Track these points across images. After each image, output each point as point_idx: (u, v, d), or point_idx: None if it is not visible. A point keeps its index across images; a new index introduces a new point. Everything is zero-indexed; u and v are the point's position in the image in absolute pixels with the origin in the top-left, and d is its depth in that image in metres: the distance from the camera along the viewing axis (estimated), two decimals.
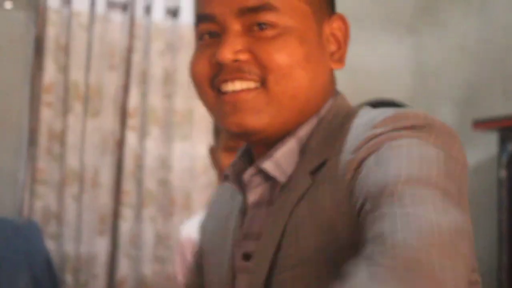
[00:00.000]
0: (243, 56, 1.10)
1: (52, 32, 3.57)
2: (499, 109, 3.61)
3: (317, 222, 1.03)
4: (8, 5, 3.60)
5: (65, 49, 3.62)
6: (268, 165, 1.12)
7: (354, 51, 4.33)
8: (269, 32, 1.10)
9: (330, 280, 1.02)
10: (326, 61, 1.16)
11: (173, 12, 3.81)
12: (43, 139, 3.51)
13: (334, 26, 1.18)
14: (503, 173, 3.28)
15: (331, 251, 1.01)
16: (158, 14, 3.74)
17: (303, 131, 1.14)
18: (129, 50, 3.72)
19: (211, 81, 1.13)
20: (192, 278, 1.39)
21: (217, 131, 2.20)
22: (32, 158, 3.53)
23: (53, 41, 3.57)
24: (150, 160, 3.65)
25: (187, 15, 3.78)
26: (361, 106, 1.16)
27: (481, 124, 3.42)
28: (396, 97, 4.27)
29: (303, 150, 1.13)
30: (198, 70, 1.14)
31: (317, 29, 1.15)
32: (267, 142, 1.15)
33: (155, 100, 3.70)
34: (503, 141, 3.33)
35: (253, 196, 1.16)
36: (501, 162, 3.30)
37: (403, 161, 0.95)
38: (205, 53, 1.13)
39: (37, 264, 3.14)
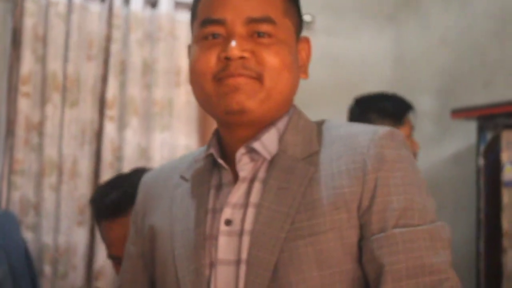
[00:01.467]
0: (247, 54, 1.37)
1: (29, 23, 3.54)
2: (478, 99, 3.62)
3: (334, 203, 1.33)
4: None
5: (43, 40, 3.59)
6: (257, 146, 1.41)
7: (335, 41, 4.35)
8: (266, 40, 1.40)
9: (337, 251, 1.32)
10: (298, 71, 1.46)
11: (152, 3, 3.80)
12: (20, 130, 3.49)
13: (302, 45, 1.50)
14: (482, 162, 3.30)
15: (344, 228, 1.32)
16: (137, 4, 3.72)
17: (281, 124, 1.45)
18: (108, 40, 3.70)
19: (214, 74, 1.39)
20: (132, 263, 1.59)
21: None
22: (9, 148, 3.51)
23: (30, 31, 3.54)
24: (129, 151, 3.64)
25: (166, 5, 3.76)
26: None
27: (460, 113, 3.44)
28: (377, 87, 4.28)
29: (281, 139, 1.43)
30: (205, 63, 1.40)
31: (295, 45, 1.47)
32: (252, 126, 1.42)
33: (134, 90, 3.69)
34: (481, 130, 3.35)
35: (243, 172, 1.42)
36: (480, 151, 3.32)
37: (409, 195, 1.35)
38: (212, 50, 1.40)
39: (15, 256, 3.12)
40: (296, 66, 1.45)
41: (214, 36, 1.41)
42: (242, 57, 1.37)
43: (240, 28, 1.39)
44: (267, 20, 1.40)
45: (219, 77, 1.39)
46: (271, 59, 1.39)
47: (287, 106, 1.47)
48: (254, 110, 1.38)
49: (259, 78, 1.38)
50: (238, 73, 1.37)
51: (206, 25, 1.42)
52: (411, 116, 3.26)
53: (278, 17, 1.42)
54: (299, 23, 1.50)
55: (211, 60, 1.40)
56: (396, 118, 3.13)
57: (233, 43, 1.37)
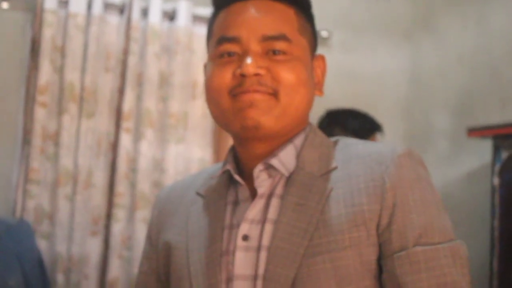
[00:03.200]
0: (262, 71, 1.38)
1: (48, 33, 3.57)
2: (494, 117, 3.61)
3: (353, 221, 1.33)
4: (4, 5, 3.60)
5: (61, 50, 3.62)
6: (275, 162, 1.42)
7: (352, 58, 4.35)
8: (282, 57, 1.40)
9: (356, 268, 1.31)
10: (313, 88, 1.47)
11: (170, 15, 3.82)
12: (37, 139, 3.51)
13: (317, 63, 1.52)
14: (497, 181, 3.29)
15: (363, 246, 1.32)
16: (155, 17, 3.74)
17: (298, 141, 1.46)
18: (125, 52, 3.72)
19: (230, 90, 1.40)
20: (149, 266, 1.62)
21: None
22: (25, 158, 3.53)
23: (49, 42, 3.57)
24: (144, 163, 3.65)
25: (184, 19, 3.78)
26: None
27: (476, 131, 3.43)
28: (392, 104, 4.28)
29: (298, 155, 1.44)
30: (221, 79, 1.41)
31: (310, 62, 1.48)
32: (267, 142, 1.43)
33: (150, 102, 3.70)
34: (497, 149, 3.34)
35: (262, 188, 1.42)
36: (495, 170, 3.31)
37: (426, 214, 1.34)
38: (228, 67, 1.41)
39: (29, 264, 3.13)
40: (312, 83, 1.46)
41: (230, 54, 1.42)
42: (257, 74, 1.38)
43: (255, 46, 1.40)
44: (282, 37, 1.41)
45: (235, 93, 1.40)
46: (287, 75, 1.39)
47: (303, 123, 1.48)
48: (270, 126, 1.39)
49: (274, 94, 1.39)
50: (254, 89, 1.38)
51: (222, 43, 1.43)
52: (378, 136, 3.30)
53: (293, 35, 1.43)
54: (314, 41, 1.51)
55: (227, 76, 1.41)
56: (359, 137, 3.15)
57: (249, 60, 1.38)
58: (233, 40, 1.41)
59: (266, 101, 1.38)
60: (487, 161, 3.55)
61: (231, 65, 1.41)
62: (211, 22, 1.51)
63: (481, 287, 3.35)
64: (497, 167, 3.31)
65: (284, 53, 1.41)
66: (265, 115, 1.38)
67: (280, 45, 1.40)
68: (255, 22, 1.42)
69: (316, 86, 1.50)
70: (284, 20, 1.44)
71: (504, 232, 3.23)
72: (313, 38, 1.51)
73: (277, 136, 1.43)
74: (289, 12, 1.46)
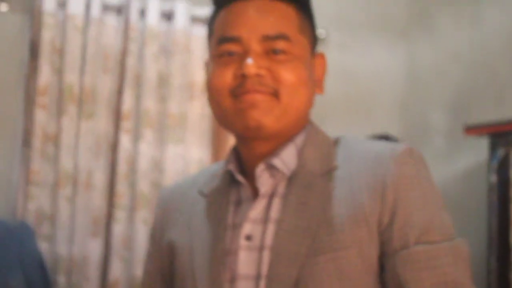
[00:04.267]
0: (263, 72, 1.39)
1: (47, 35, 3.59)
2: (490, 115, 3.64)
3: (354, 219, 1.33)
4: (3, 8, 3.61)
5: (60, 52, 3.63)
6: (277, 162, 1.42)
7: (348, 56, 4.38)
8: (282, 57, 1.41)
9: (357, 267, 1.32)
10: (313, 87, 1.47)
11: (168, 16, 3.83)
12: (37, 141, 3.53)
13: (317, 61, 1.51)
14: (494, 178, 3.31)
15: (364, 244, 1.33)
16: (153, 17, 3.76)
17: (299, 140, 1.46)
18: (124, 53, 3.73)
19: (231, 90, 1.40)
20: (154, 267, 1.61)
21: None
22: (26, 159, 3.55)
23: (48, 43, 3.59)
24: (143, 163, 3.67)
25: (182, 20, 3.80)
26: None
27: (472, 129, 3.45)
28: (389, 102, 4.30)
29: (299, 154, 1.44)
30: (222, 79, 1.41)
31: (311, 60, 1.47)
32: (269, 142, 1.43)
33: (149, 103, 3.72)
34: (493, 147, 3.36)
35: (264, 187, 1.42)
36: (492, 167, 3.33)
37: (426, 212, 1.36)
38: (229, 67, 1.41)
39: (30, 265, 3.15)
40: (312, 82, 1.46)
41: (230, 53, 1.42)
42: (258, 75, 1.38)
43: (255, 46, 1.40)
44: (283, 37, 1.41)
45: (236, 94, 1.40)
46: (287, 75, 1.39)
47: (304, 122, 1.48)
48: (271, 126, 1.39)
49: (275, 94, 1.39)
50: (255, 89, 1.38)
51: (222, 42, 1.43)
52: None
53: (293, 34, 1.43)
54: (314, 39, 1.51)
55: (228, 76, 1.41)
56: None
57: (249, 61, 1.38)
58: (234, 40, 1.42)
59: (267, 102, 1.38)
60: (483, 158, 3.57)
61: (232, 65, 1.41)
62: (212, 21, 1.51)
63: (478, 285, 3.37)
64: (494, 164, 3.33)
65: (284, 52, 1.41)
66: (266, 116, 1.38)
67: (280, 45, 1.41)
68: (256, 22, 1.42)
69: (316, 84, 1.50)
70: (284, 19, 1.44)
71: (502, 230, 3.25)
72: (313, 36, 1.51)
73: (279, 135, 1.43)
74: (289, 11, 1.45)
